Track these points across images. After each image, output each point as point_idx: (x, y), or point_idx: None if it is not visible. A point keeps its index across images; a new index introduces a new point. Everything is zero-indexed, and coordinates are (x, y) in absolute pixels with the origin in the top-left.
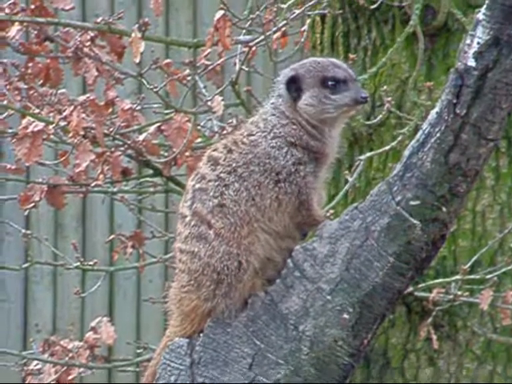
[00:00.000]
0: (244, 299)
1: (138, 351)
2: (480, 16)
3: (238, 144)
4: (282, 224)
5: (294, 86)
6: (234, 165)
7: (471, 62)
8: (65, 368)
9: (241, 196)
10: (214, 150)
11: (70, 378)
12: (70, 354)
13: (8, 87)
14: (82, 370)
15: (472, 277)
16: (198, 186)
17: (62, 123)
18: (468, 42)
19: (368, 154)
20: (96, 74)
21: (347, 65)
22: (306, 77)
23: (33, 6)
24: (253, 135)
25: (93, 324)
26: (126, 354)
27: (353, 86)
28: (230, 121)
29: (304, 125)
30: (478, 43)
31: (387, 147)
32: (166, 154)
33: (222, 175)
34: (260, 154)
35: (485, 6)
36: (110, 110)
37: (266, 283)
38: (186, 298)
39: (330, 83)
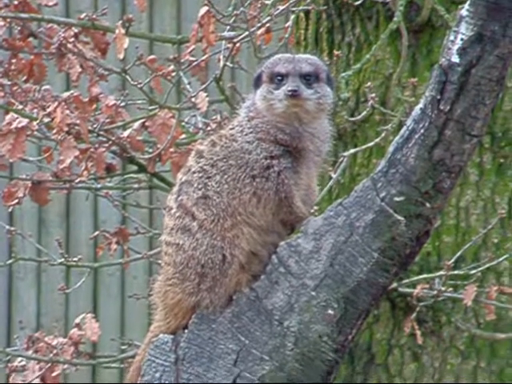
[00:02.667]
0: (229, 295)
1: (123, 347)
2: (463, 12)
3: (221, 138)
4: (264, 219)
5: (259, 83)
6: (215, 158)
7: (455, 59)
8: (49, 365)
9: (223, 188)
10: (201, 144)
11: (54, 374)
12: (55, 351)
13: None
14: (66, 366)
15: (456, 272)
16: (184, 178)
17: (46, 119)
18: (452, 38)
19: (352, 151)
20: (80, 70)
21: (307, 58)
22: (264, 73)
23: (16, 2)
24: (233, 129)
25: (77, 320)
26: (110, 351)
27: (291, 79)
28: (215, 117)
29: (270, 120)
30: (462, 39)
31: (371, 143)
32: (150, 150)
33: (205, 167)
34: (236, 148)
35: (468, 3)
36: (94, 106)
37: (252, 279)
38: (170, 291)
39: (275, 79)
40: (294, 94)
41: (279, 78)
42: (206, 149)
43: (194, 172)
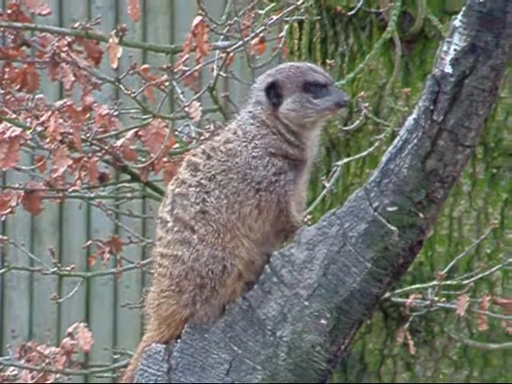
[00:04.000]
0: (223, 305)
1: (115, 357)
2: (457, 23)
3: (215, 151)
4: (261, 231)
5: (274, 92)
6: (213, 172)
7: (448, 69)
8: (41, 374)
9: (222, 203)
10: (194, 155)
11: (46, 383)
12: (47, 360)
13: None
14: (58, 375)
15: (449, 282)
16: (177, 190)
17: (39, 128)
18: (445, 48)
19: (345, 160)
20: (73, 79)
21: (324, 69)
22: (286, 82)
23: (9, 11)
24: (230, 143)
25: (70, 330)
26: (102, 360)
27: (333, 89)
28: (208, 126)
29: (283, 133)
30: (455, 50)
31: (364, 153)
32: (143, 159)
33: (202, 181)
34: (240, 164)
35: (461, 13)
36: (88, 115)
37: (245, 288)
38: (164, 303)
39: (311, 88)
40: (345, 104)
41: (314, 87)
42: (202, 162)
43: (190, 186)
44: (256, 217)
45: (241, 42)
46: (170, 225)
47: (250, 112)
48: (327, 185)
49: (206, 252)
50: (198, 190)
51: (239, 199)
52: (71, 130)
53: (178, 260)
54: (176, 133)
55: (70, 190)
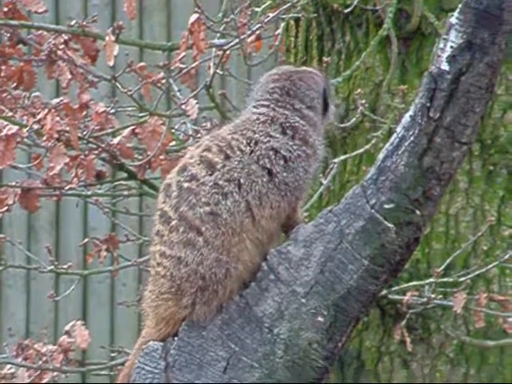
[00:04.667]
0: (221, 305)
1: (112, 355)
2: (453, 20)
3: (234, 150)
4: (270, 232)
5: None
6: (235, 174)
7: (444, 66)
8: (38, 372)
9: (240, 207)
10: (207, 151)
11: (43, 382)
12: (44, 358)
13: None
14: (55, 373)
15: (445, 279)
16: (186, 185)
17: (36, 126)
18: (441, 45)
19: (342, 157)
20: (70, 77)
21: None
22: (329, 89)
23: (5, 9)
24: (264, 143)
25: (67, 328)
26: (99, 358)
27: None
28: (205, 124)
29: (320, 135)
30: (451, 47)
31: (361, 150)
32: (140, 157)
33: (219, 182)
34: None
35: (458, 10)
36: (84, 113)
37: (242, 286)
38: (163, 305)
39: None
40: None
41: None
42: (219, 161)
43: (203, 184)
44: (272, 218)
45: (237, 40)
46: (174, 223)
47: (301, 113)
48: (324, 182)
49: (211, 256)
50: (213, 190)
51: (258, 202)
52: (68, 128)
53: (181, 262)
54: (173, 130)
55: (67, 187)
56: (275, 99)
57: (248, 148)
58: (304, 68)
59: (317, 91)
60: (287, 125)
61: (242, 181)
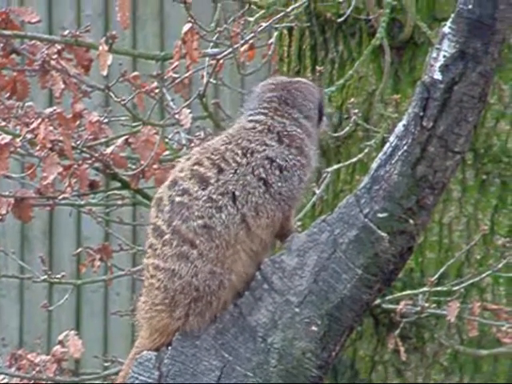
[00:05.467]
0: (215, 316)
1: (106, 364)
2: (446, 29)
3: (229, 162)
4: (264, 241)
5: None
6: (230, 187)
7: (437, 75)
8: (32, 382)
9: (234, 219)
10: (198, 165)
11: None
12: (37, 368)
13: None
14: (49, 383)
15: (439, 289)
16: (178, 199)
17: (29, 136)
18: (434, 55)
19: (335, 167)
20: (63, 86)
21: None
22: (323, 102)
23: None
24: (259, 152)
25: (60, 337)
26: (93, 368)
27: None
28: (198, 133)
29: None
30: (444, 56)
31: (354, 159)
32: (133, 166)
33: (213, 196)
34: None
35: (450, 20)
36: (78, 122)
37: (236, 296)
38: (157, 316)
39: None
40: None
41: None
42: (212, 175)
43: (196, 198)
44: (267, 228)
45: (230, 49)
46: (167, 237)
47: (296, 121)
48: (317, 191)
49: (205, 268)
50: (207, 205)
51: (254, 213)
52: (61, 138)
53: (175, 275)
54: (166, 140)
55: (60, 197)
56: (273, 108)
57: (244, 159)
58: (298, 79)
59: (313, 102)
60: (284, 133)
61: (237, 193)
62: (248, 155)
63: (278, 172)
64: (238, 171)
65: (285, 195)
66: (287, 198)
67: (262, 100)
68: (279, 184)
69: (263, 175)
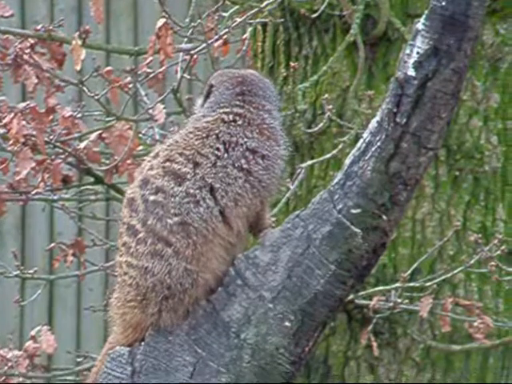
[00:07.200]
0: (188, 311)
1: (78, 360)
2: (419, 26)
3: (207, 156)
4: (240, 232)
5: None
6: (209, 180)
7: (411, 72)
8: (4, 378)
9: (212, 212)
10: (170, 161)
11: None
12: (9, 364)
13: None
14: (21, 379)
15: (412, 284)
16: (152, 198)
17: (2, 130)
18: (407, 51)
19: (309, 162)
20: (36, 81)
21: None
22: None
23: None
24: (241, 145)
25: (32, 333)
26: (66, 363)
27: None
28: (172, 129)
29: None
30: (418, 53)
31: (328, 155)
32: (107, 161)
33: (191, 191)
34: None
35: (424, 17)
36: (51, 117)
37: (209, 291)
38: (129, 313)
39: None
40: None
41: None
42: (189, 170)
43: (172, 195)
44: (244, 217)
45: (204, 45)
46: (141, 235)
47: (269, 112)
48: (291, 187)
49: (179, 266)
50: (184, 200)
51: (234, 204)
52: (34, 132)
53: (148, 272)
54: (140, 135)
55: (33, 192)
56: (248, 101)
57: (226, 153)
58: (249, 70)
59: (275, 94)
60: (264, 126)
61: (216, 186)
62: (230, 149)
63: (260, 161)
64: (217, 163)
65: (264, 182)
66: (267, 185)
67: (234, 93)
68: (261, 172)
69: (245, 166)
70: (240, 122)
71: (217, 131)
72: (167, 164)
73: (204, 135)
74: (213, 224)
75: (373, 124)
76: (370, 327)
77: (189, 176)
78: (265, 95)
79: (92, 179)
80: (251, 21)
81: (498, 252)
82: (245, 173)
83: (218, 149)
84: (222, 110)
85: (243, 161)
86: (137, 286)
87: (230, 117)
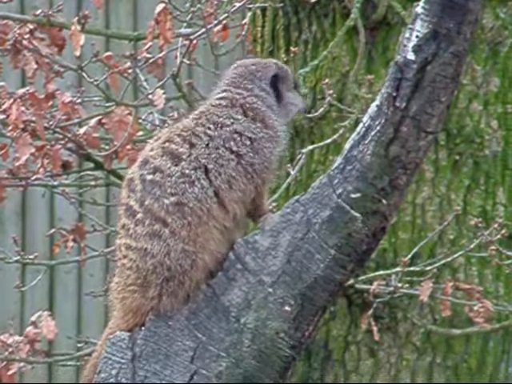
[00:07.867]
0: (188, 296)
1: (79, 345)
2: (419, 10)
3: (200, 137)
4: (236, 217)
5: (274, 84)
6: (203, 161)
7: (410, 56)
8: (4, 363)
9: (207, 193)
10: (169, 142)
11: (9, 373)
12: (10, 349)
13: None
14: (22, 364)
15: (412, 269)
16: (149, 177)
17: (1, 116)
18: (407, 35)
19: (309, 147)
20: (35, 66)
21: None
22: (286, 78)
23: None
24: (227, 127)
25: (33, 318)
26: (66, 349)
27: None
28: (172, 114)
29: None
30: (417, 37)
31: (328, 140)
32: (106, 147)
33: (186, 171)
34: (243, 152)
35: (423, 0)
36: (50, 103)
37: (209, 276)
38: (130, 297)
39: (296, 88)
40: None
41: (295, 88)
42: (185, 151)
43: (169, 175)
44: (239, 202)
45: (204, 30)
46: (139, 216)
47: (258, 96)
48: (292, 172)
49: (177, 247)
50: (180, 180)
51: (228, 186)
52: (34, 118)
53: (147, 254)
54: (139, 120)
55: (33, 178)
56: (231, 82)
57: (215, 132)
58: (264, 59)
59: (264, 73)
60: (247, 106)
61: (210, 166)
62: (218, 129)
63: (248, 143)
64: (209, 145)
65: (257, 167)
66: (260, 170)
67: (226, 79)
68: (250, 155)
69: (234, 148)
70: (224, 104)
71: (206, 113)
72: (166, 144)
73: (197, 117)
74: (207, 204)
75: (372, 108)
76: (371, 312)
77: (184, 156)
78: (246, 75)
79: (92, 165)
80: (250, 6)
81: (498, 236)
82: (236, 155)
83: (209, 128)
84: (214, 96)
85: (232, 143)
86: (137, 268)
87: (218, 101)
